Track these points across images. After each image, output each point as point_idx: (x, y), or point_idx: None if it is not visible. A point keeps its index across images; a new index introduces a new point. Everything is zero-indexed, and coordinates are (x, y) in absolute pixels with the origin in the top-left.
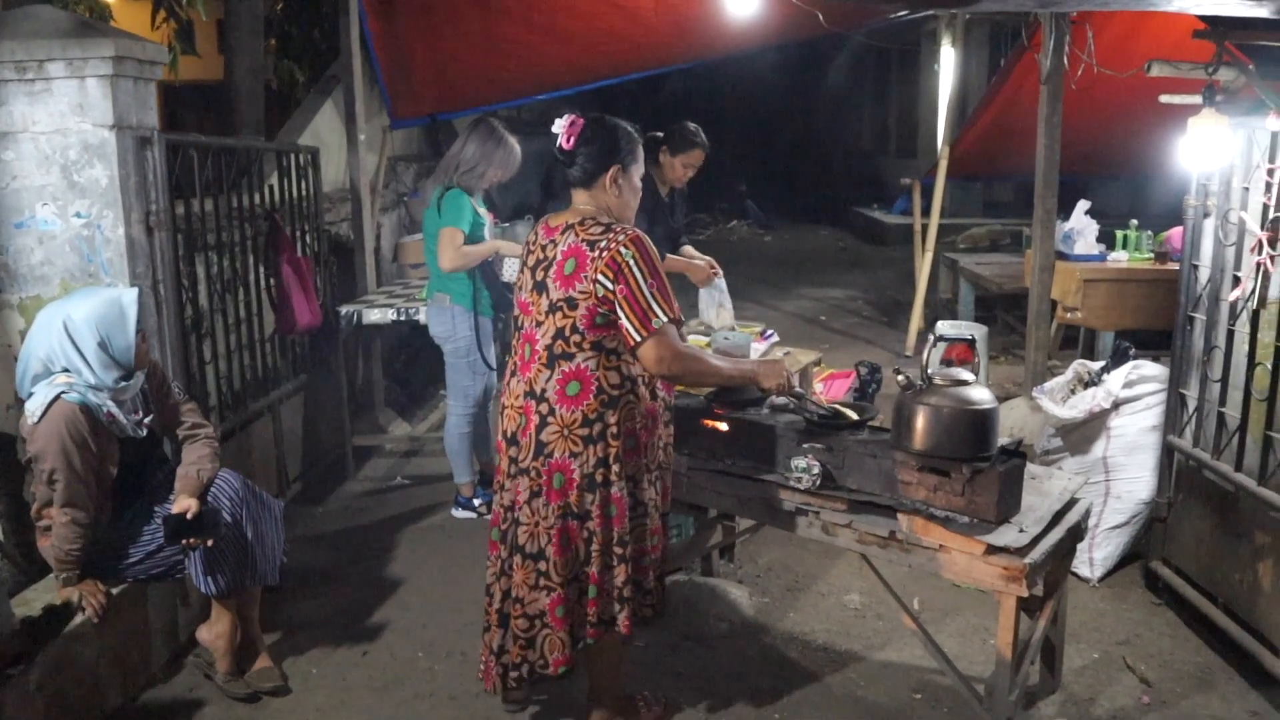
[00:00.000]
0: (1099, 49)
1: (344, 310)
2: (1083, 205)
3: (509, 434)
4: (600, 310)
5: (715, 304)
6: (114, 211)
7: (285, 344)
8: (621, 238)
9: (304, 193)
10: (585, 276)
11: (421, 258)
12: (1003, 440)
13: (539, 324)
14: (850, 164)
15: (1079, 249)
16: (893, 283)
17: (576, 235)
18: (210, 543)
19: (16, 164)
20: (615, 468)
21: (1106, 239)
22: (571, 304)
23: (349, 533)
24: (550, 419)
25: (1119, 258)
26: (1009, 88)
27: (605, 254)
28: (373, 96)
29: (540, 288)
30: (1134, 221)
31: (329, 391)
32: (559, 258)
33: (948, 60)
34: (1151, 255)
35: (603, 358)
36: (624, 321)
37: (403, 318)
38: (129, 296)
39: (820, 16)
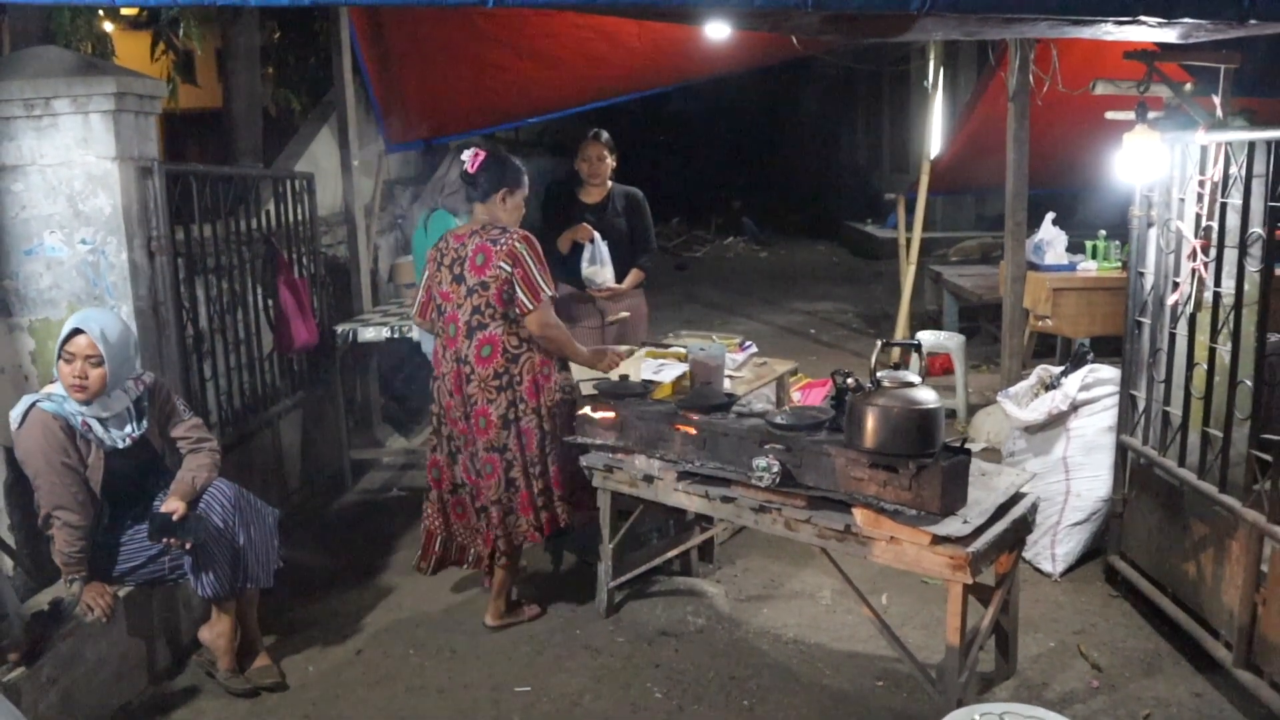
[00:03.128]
0: (1064, 67)
1: (340, 329)
2: (1050, 217)
3: (450, 390)
4: (504, 290)
5: (594, 261)
6: (117, 238)
7: (284, 362)
8: (516, 236)
9: (300, 217)
10: (492, 264)
11: (415, 278)
12: (948, 439)
13: (459, 306)
14: (845, 179)
15: (1049, 259)
16: (882, 295)
17: (481, 238)
18: (189, 545)
19: (25, 195)
20: (521, 406)
21: (1078, 249)
22: (484, 286)
23: (345, 540)
24: (472, 377)
25: (1088, 267)
26: (983, 105)
27: (505, 247)
28: (368, 122)
29: (459, 279)
30: (1102, 232)
31: (327, 407)
32: (470, 255)
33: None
34: (1120, 264)
35: (507, 325)
36: (520, 295)
37: (396, 335)
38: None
39: (794, 40)
